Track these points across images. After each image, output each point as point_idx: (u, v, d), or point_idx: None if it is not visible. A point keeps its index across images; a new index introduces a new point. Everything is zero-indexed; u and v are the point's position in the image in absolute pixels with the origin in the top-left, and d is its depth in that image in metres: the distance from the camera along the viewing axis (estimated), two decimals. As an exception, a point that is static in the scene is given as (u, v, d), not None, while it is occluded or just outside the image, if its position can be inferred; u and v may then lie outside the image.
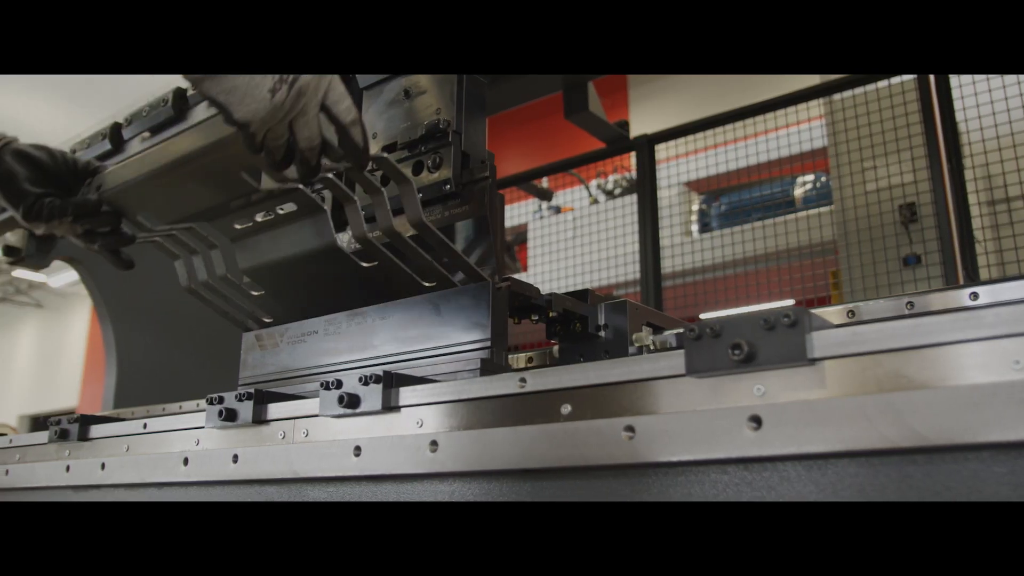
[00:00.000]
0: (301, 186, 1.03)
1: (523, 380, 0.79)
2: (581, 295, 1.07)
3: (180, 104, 1.47)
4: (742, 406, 0.67)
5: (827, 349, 0.66)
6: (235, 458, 1.01)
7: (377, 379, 0.86)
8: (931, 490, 0.61)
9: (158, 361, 2.29)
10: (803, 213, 2.82)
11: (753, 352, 0.67)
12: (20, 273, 10.78)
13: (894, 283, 2.38)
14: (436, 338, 1.00)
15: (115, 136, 1.50)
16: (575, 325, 1.05)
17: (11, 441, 1.39)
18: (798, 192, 3.20)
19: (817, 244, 2.69)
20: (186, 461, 1.07)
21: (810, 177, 3.20)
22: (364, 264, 1.06)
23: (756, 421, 0.66)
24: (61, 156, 1.19)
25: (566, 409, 0.76)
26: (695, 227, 3.76)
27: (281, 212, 1.08)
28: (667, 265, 2.97)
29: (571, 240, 3.75)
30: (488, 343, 0.94)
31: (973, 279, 2.14)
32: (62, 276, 10.37)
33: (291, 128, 0.90)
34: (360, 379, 0.88)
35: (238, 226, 1.15)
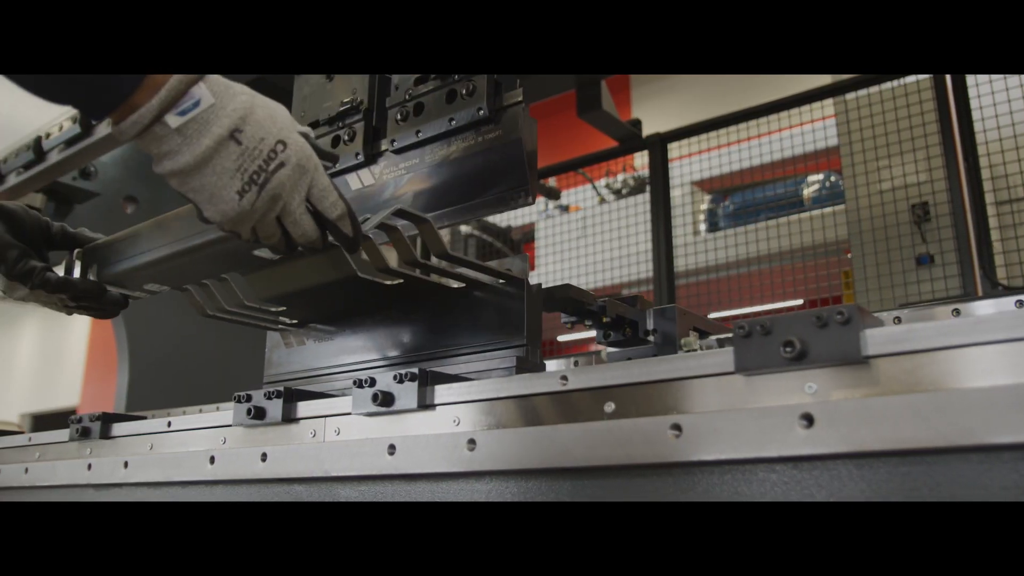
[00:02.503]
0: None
1: (564, 378, 0.78)
2: (630, 301, 1.07)
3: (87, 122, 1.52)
4: (793, 404, 0.66)
5: (881, 347, 0.65)
6: (264, 457, 1.00)
7: (413, 377, 0.86)
8: (987, 490, 0.61)
9: (170, 361, 2.28)
10: (817, 212, 2.81)
11: (805, 349, 0.66)
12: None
13: (909, 282, 2.37)
14: (468, 336, 0.99)
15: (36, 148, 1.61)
16: (625, 330, 1.05)
17: (30, 439, 1.38)
18: (808, 191, 3.19)
19: (832, 243, 2.68)
20: (212, 460, 1.06)
21: (820, 176, 3.19)
22: (388, 282, 1.04)
23: (807, 419, 0.66)
24: (27, 213, 1.14)
25: (609, 407, 0.75)
26: (703, 226, 3.75)
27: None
28: (677, 264, 2.96)
29: (578, 240, 3.74)
30: (523, 342, 0.93)
31: (991, 279, 2.13)
32: (64, 275, 10.32)
33: (282, 225, 0.86)
34: (395, 377, 0.87)
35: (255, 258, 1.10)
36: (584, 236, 3.70)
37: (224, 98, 0.81)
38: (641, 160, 3.83)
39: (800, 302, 2.89)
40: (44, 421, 11.00)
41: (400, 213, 0.91)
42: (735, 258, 2.95)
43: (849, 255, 2.74)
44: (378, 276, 1.00)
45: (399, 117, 1.06)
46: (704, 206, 3.76)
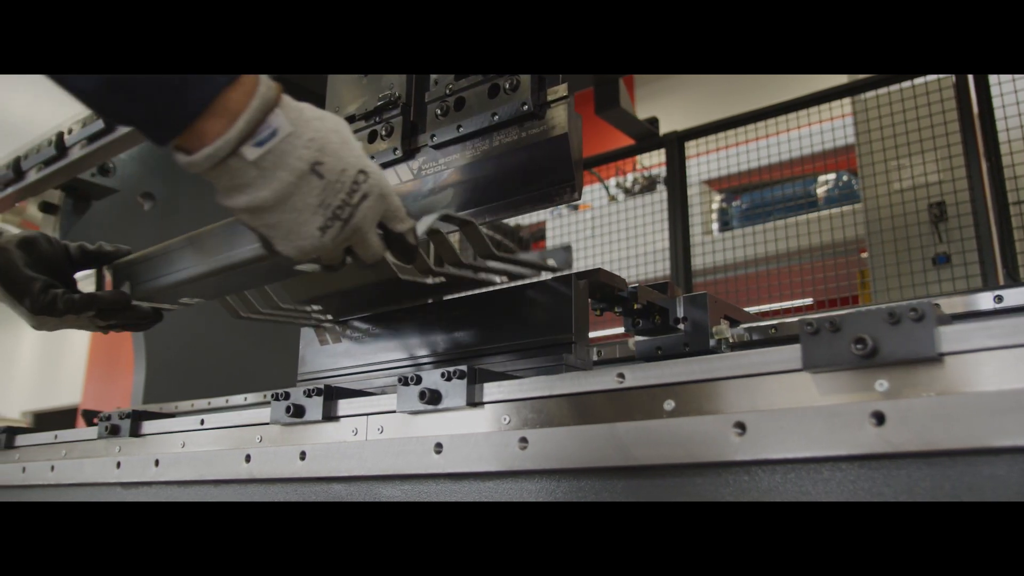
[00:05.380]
0: None
1: (621, 376, 0.76)
2: (660, 288, 1.05)
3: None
4: (863, 402, 0.65)
5: (956, 343, 0.63)
6: (302, 455, 0.98)
7: (461, 374, 0.84)
8: (1065, 490, 0.59)
9: (187, 356, 2.26)
10: (836, 210, 2.79)
11: (876, 347, 0.65)
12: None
13: (930, 281, 2.36)
14: (513, 333, 0.98)
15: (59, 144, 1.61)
16: (655, 318, 1.03)
17: (56, 436, 1.36)
18: (822, 190, 3.18)
19: (851, 242, 2.66)
20: (248, 458, 1.04)
21: (832, 176, 3.17)
22: (430, 281, 1.00)
23: (878, 418, 0.64)
24: (47, 240, 1.13)
25: (669, 405, 0.74)
26: (715, 225, 3.74)
27: None
28: (692, 263, 2.94)
29: (588, 239, 3.73)
30: (571, 338, 0.92)
31: (1014, 278, 2.12)
32: (66, 273, 10.27)
33: (350, 248, 0.82)
34: (443, 375, 0.85)
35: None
36: (594, 235, 3.69)
37: (299, 125, 0.73)
38: (651, 159, 3.82)
39: (810, 301, 2.87)
40: (46, 419, 10.97)
41: (446, 218, 0.89)
42: (752, 257, 2.94)
43: (865, 254, 2.72)
44: (418, 277, 0.98)
45: (439, 112, 1.05)
46: (715, 205, 3.75)
